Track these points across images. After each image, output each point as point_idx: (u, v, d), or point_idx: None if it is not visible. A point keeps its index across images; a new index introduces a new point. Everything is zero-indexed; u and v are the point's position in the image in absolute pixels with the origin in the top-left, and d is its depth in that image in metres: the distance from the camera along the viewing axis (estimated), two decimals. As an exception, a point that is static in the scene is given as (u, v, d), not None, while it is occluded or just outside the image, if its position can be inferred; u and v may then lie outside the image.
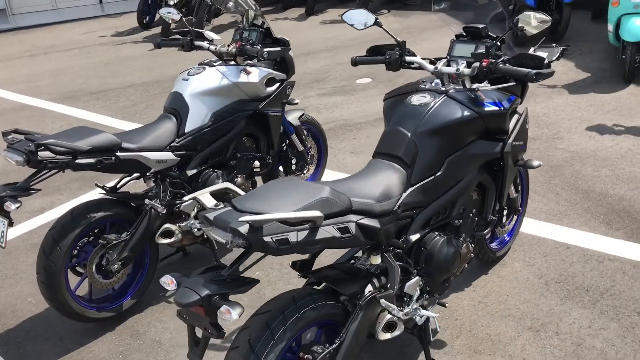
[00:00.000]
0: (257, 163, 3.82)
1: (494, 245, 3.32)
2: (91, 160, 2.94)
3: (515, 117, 2.78)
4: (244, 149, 3.69)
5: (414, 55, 2.81)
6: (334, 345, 2.20)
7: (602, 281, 3.14)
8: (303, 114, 4.17)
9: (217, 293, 1.91)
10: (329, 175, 4.49)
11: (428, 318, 2.65)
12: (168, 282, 2.02)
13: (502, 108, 2.60)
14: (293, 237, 1.94)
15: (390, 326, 2.41)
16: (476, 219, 2.82)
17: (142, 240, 3.22)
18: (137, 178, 3.40)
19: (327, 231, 2.03)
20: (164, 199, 3.28)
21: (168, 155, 3.28)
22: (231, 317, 1.85)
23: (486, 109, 2.55)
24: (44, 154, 2.80)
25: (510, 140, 2.69)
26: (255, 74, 3.58)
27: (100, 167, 2.99)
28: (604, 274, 3.20)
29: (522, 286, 3.19)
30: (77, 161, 2.89)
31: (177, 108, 3.41)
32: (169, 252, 3.82)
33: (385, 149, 2.50)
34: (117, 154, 3.04)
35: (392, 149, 2.48)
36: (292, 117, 4.08)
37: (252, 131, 3.70)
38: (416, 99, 2.59)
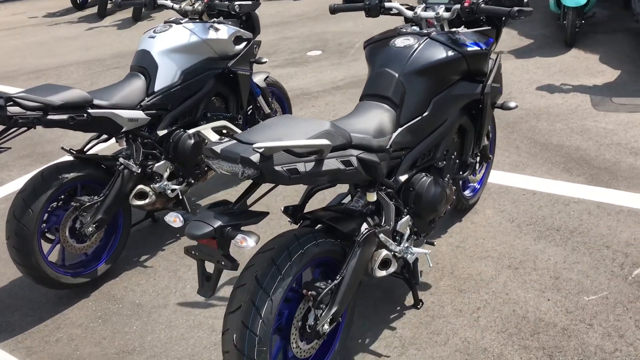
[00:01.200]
0: (226, 124, 3.76)
1: (466, 192, 3.42)
2: (63, 117, 2.82)
3: (491, 61, 2.86)
4: (213, 109, 3.63)
5: (391, 1, 2.84)
6: (335, 281, 2.21)
7: (570, 221, 3.30)
8: (268, 77, 4.14)
9: (230, 224, 1.89)
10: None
11: (416, 260, 2.71)
12: (173, 219, 1.97)
13: (482, 48, 2.67)
14: (301, 167, 1.94)
15: (385, 264, 2.45)
16: (457, 161, 2.89)
17: (116, 202, 3.12)
18: (106, 140, 3.28)
19: (332, 163, 2.04)
20: (137, 159, 3.19)
21: (139, 113, 3.19)
22: (247, 245, 1.83)
23: (468, 49, 2.61)
24: (13, 110, 2.66)
25: (489, 82, 2.77)
26: (224, 31, 3.52)
27: (72, 124, 2.87)
28: (571, 215, 3.36)
29: (496, 230, 3.30)
30: (49, 117, 2.77)
31: (145, 66, 3.31)
32: (137, 219, 3.73)
33: (373, 91, 2.52)
34: (88, 110, 2.93)
35: (381, 89, 2.50)
36: (258, 79, 4.04)
37: (222, 91, 3.64)
38: (400, 42, 2.62)
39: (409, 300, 2.86)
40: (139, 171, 3.16)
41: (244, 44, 3.68)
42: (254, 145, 1.79)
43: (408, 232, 2.56)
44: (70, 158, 3.09)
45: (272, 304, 2.02)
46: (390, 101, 2.48)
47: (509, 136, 4.33)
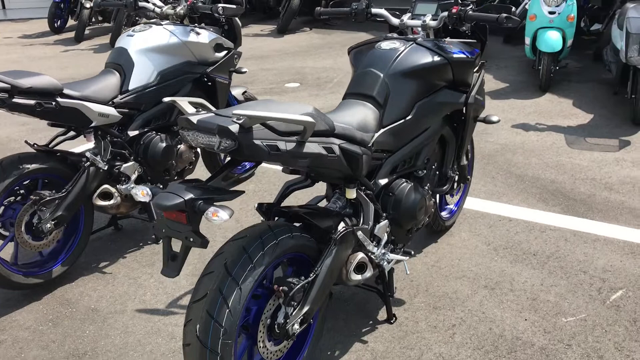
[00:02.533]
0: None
1: (444, 214, 3.35)
2: (30, 102, 2.68)
3: (476, 74, 2.84)
4: (188, 114, 3.52)
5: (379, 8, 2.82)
6: (309, 279, 2.09)
7: (546, 247, 3.24)
8: (246, 91, 4.07)
9: (202, 197, 1.76)
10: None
11: (391, 271, 2.61)
12: (140, 192, 1.85)
13: (468, 56, 2.65)
14: (282, 145, 1.84)
15: (361, 267, 2.34)
16: (437, 172, 2.83)
17: (79, 199, 2.96)
18: (73, 137, 3.13)
19: (314, 147, 1.95)
20: (104, 157, 3.05)
21: (111, 110, 3.07)
22: (220, 217, 1.71)
23: (454, 55, 2.59)
24: (-24, 89, 2.52)
25: (473, 93, 2.74)
26: (205, 36, 3.46)
27: (39, 111, 2.73)
28: (548, 241, 3.30)
29: (472, 252, 3.22)
30: (15, 100, 2.64)
31: (120, 63, 3.22)
32: (99, 225, 3.55)
33: (357, 89, 2.46)
34: (57, 99, 2.80)
35: (365, 89, 2.44)
36: (237, 92, 3.97)
37: (198, 97, 3.53)
38: (386, 45, 2.58)
39: (382, 315, 2.73)
40: (106, 168, 3.02)
41: (224, 52, 3.62)
42: (234, 112, 1.69)
43: (386, 237, 2.46)
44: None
45: (240, 294, 1.88)
46: (374, 100, 2.42)
47: (485, 167, 4.31)
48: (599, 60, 7.11)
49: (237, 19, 3.72)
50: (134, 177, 3.16)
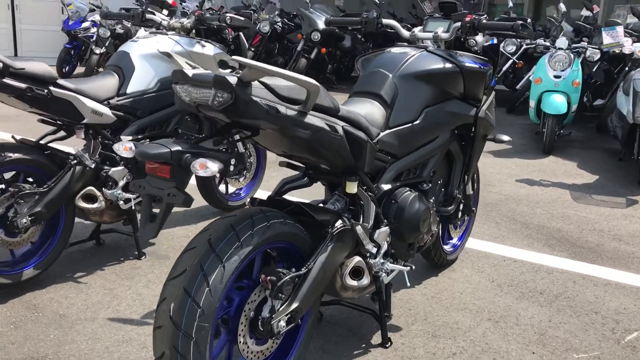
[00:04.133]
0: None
1: (446, 247, 3.15)
2: (21, 85, 2.56)
3: (485, 95, 2.74)
4: (186, 127, 3.40)
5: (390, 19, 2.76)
6: (300, 272, 1.90)
7: (554, 287, 3.03)
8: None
9: (190, 151, 1.60)
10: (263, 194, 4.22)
11: (389, 288, 2.41)
12: (123, 147, 1.68)
13: (481, 67, 2.55)
14: (283, 109, 1.70)
15: (357, 273, 2.14)
16: (442, 190, 2.67)
17: (60, 197, 2.78)
18: (63, 138, 2.99)
19: (316, 120, 1.81)
20: (92, 157, 2.90)
21: (105, 109, 2.95)
22: (209, 169, 1.55)
23: (466, 64, 2.49)
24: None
25: (484, 107, 2.63)
26: (210, 49, 3.39)
27: (29, 97, 2.60)
28: (555, 281, 3.09)
29: (474, 287, 3.00)
30: (5, 80, 2.51)
31: (121, 66, 3.12)
32: (79, 238, 3.35)
33: (365, 88, 2.35)
34: (50, 87, 2.68)
35: (373, 87, 2.33)
36: (236, 116, 3.87)
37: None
38: (396, 49, 2.50)
39: (376, 339, 2.50)
40: (93, 167, 2.86)
41: (228, 70, 3.53)
42: (234, 57, 1.56)
43: (385, 247, 2.27)
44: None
45: (223, 273, 1.68)
46: (382, 99, 2.30)
47: (488, 214, 4.14)
48: (603, 132, 7.10)
49: (244, 39, 3.67)
50: (121, 183, 2.99)
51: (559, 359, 2.39)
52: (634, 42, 5.77)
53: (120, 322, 2.57)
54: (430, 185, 2.51)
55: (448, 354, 2.40)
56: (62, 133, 3.02)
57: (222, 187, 3.86)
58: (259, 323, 1.84)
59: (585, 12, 7.70)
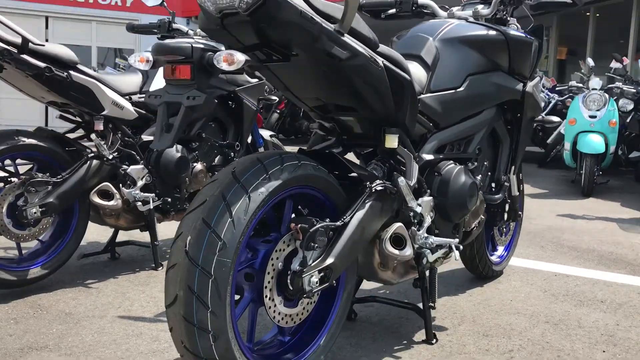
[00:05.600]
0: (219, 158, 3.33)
1: (493, 258, 2.86)
2: (39, 64, 2.44)
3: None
4: (210, 132, 3.24)
5: (425, 0, 2.62)
6: (337, 223, 1.65)
7: (616, 297, 2.69)
8: (274, 135, 3.82)
9: (212, 48, 1.41)
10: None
11: (434, 273, 2.12)
12: (139, 59, 1.51)
13: (527, 37, 2.37)
14: (318, 20, 1.52)
15: (398, 242, 1.88)
16: (489, 174, 2.43)
17: (74, 191, 2.61)
18: (82, 137, 2.84)
19: (354, 43, 1.62)
20: (111, 150, 2.74)
21: (126, 103, 2.81)
22: (235, 62, 1.35)
23: (511, 32, 2.32)
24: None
25: (531, 83, 2.43)
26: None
27: (47, 77, 2.48)
28: (616, 292, 2.76)
29: (526, 295, 2.68)
30: (24, 56, 2.40)
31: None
32: (94, 249, 3.13)
33: (404, 50, 2.17)
34: (70, 71, 2.56)
35: (412, 49, 2.16)
36: (264, 132, 3.71)
37: (222, 117, 3.26)
38: (435, 20, 2.35)
39: (419, 336, 2.19)
40: (111, 158, 2.69)
41: (255, 80, 3.42)
42: None
43: (429, 220, 2.01)
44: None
45: (248, 204, 1.45)
46: (422, 61, 2.12)
47: (532, 240, 3.83)
48: (642, 180, 6.81)
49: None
50: (140, 183, 2.81)
51: (635, 357, 2.04)
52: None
53: (131, 320, 2.31)
54: (476, 164, 2.28)
55: (504, 351, 2.07)
56: (81, 132, 2.88)
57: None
58: (288, 278, 1.58)
59: (615, 64, 7.58)
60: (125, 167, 2.79)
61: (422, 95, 2.04)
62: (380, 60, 1.71)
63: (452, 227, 2.16)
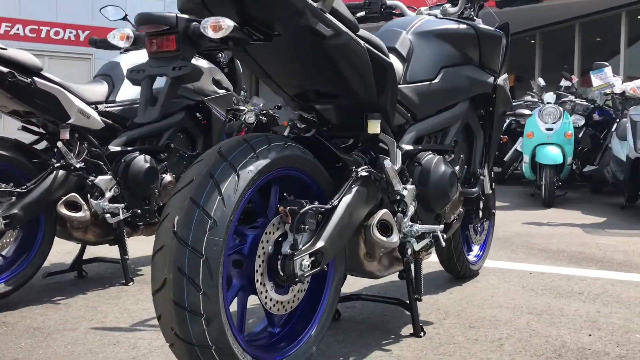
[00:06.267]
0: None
1: (470, 257, 2.86)
2: (2, 68, 2.35)
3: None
4: (178, 143, 3.17)
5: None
6: (326, 206, 1.63)
7: (592, 289, 2.72)
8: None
9: (196, 19, 1.38)
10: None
11: (419, 265, 2.10)
12: (119, 36, 1.46)
13: (496, 31, 2.42)
14: None
15: (385, 229, 1.85)
16: (465, 167, 2.44)
17: (40, 202, 2.50)
18: (48, 137, 2.73)
19: (336, 21, 1.61)
20: (78, 160, 2.64)
21: (92, 112, 2.74)
22: (222, 29, 1.31)
23: (481, 26, 2.36)
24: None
25: (502, 77, 2.47)
26: (204, 62, 3.25)
27: (10, 83, 2.39)
28: (592, 285, 2.79)
29: (505, 292, 2.68)
30: (-15, 60, 2.31)
31: (110, 74, 2.96)
32: (58, 268, 3.00)
33: None
34: (35, 77, 2.48)
35: (387, 41, 2.15)
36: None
37: (190, 128, 3.21)
38: (408, 16, 2.38)
39: (406, 330, 2.15)
40: (78, 167, 2.59)
41: (223, 90, 3.39)
42: None
43: (412, 209, 2.00)
44: None
45: (237, 182, 1.41)
46: (397, 52, 2.13)
47: (502, 244, 3.86)
48: (598, 193, 6.99)
49: (239, 64, 3.55)
50: (108, 194, 2.72)
51: (621, 339, 2.05)
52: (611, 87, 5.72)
53: (105, 330, 2.20)
54: (452, 156, 2.29)
55: (492, 339, 2.05)
56: (45, 143, 2.78)
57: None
58: (279, 263, 1.53)
59: (564, 82, 7.84)
60: (92, 177, 2.70)
61: (400, 86, 2.04)
62: (362, 42, 1.71)
63: (434, 218, 2.16)
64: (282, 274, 1.54)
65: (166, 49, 1.36)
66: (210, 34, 1.33)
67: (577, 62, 11.31)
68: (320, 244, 1.58)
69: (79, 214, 2.61)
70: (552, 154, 5.79)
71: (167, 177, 3.00)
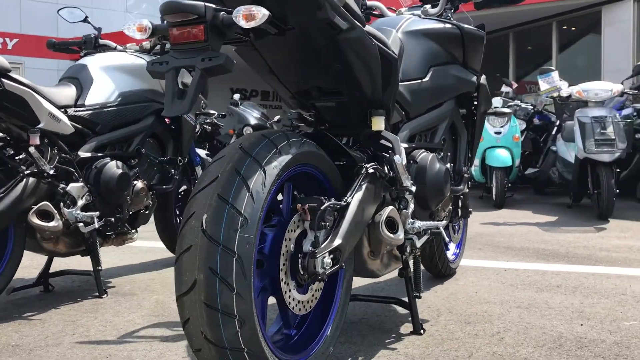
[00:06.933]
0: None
1: (448, 255, 2.89)
2: (-33, 71, 2.20)
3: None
4: (149, 148, 3.06)
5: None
6: (341, 202, 1.60)
7: (568, 282, 2.80)
8: (208, 154, 3.69)
9: (225, 8, 1.33)
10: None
11: (418, 264, 2.11)
12: (136, 28, 1.38)
13: (479, 31, 2.47)
14: None
15: (391, 225, 1.84)
16: (451, 165, 2.48)
17: (11, 211, 2.36)
18: (12, 143, 2.56)
19: (349, 15, 1.60)
20: (50, 167, 2.51)
21: (62, 115, 2.61)
22: (256, 18, 1.27)
23: (465, 27, 2.40)
24: None
25: (483, 76, 2.52)
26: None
27: (-22, 85, 2.24)
28: (567, 278, 2.88)
29: (488, 288, 2.73)
30: (-50, 62, 2.16)
31: (78, 77, 2.83)
32: (24, 282, 2.83)
33: None
34: (3, 79, 2.33)
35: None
36: (199, 151, 3.58)
37: (160, 133, 3.11)
38: (393, 16, 2.40)
39: (405, 329, 2.15)
40: (51, 172, 2.46)
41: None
42: None
43: (412, 206, 2.00)
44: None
45: (264, 178, 1.37)
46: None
47: (468, 244, 3.92)
48: (541, 194, 7.27)
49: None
50: (80, 202, 2.59)
51: (611, 327, 2.12)
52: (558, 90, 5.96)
53: (93, 344, 2.08)
54: (442, 154, 2.32)
55: (492, 333, 2.07)
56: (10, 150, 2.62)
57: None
58: (300, 261, 1.50)
59: (505, 89, 8.13)
60: (63, 185, 2.57)
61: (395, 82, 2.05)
62: (372, 37, 1.71)
63: (429, 215, 2.17)
64: (302, 272, 1.50)
65: (193, 39, 1.30)
66: (242, 23, 1.28)
67: (511, 69, 11.75)
68: (337, 241, 1.56)
69: (51, 224, 2.47)
70: (501, 157, 5.97)
71: (139, 184, 2.89)
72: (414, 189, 1.92)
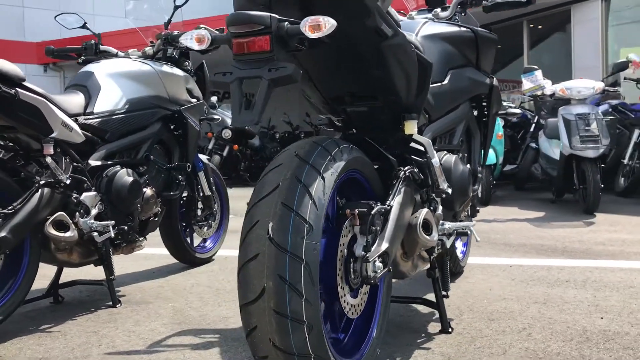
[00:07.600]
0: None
1: (457, 252, 2.94)
2: (-15, 81, 2.16)
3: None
4: (157, 155, 3.04)
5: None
6: (387, 206, 1.63)
7: (576, 277, 2.88)
8: (210, 159, 3.68)
9: (289, 19, 1.34)
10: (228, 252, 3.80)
11: (445, 261, 2.15)
12: (194, 38, 1.37)
13: (491, 34, 2.52)
14: None
15: (426, 227, 1.88)
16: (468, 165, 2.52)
17: (27, 222, 2.31)
18: (22, 153, 2.51)
19: (392, 23, 1.62)
20: (65, 177, 2.47)
21: (74, 124, 2.57)
22: (326, 23, 1.28)
23: (479, 30, 2.45)
24: None
25: (495, 79, 2.58)
26: (178, 71, 3.14)
27: (-6, 96, 2.19)
28: (573, 273, 2.96)
29: (499, 285, 2.79)
30: (-35, 72, 2.11)
31: (86, 85, 2.79)
32: (34, 295, 2.77)
33: None
34: (18, 88, 2.29)
35: None
36: (201, 156, 3.56)
37: (167, 139, 3.09)
38: (409, 19, 2.43)
39: (432, 328, 2.19)
40: (68, 183, 2.42)
41: (195, 100, 3.29)
42: None
43: (441, 208, 2.04)
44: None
45: (324, 185, 1.39)
46: (412, 53, 2.17)
47: (466, 242, 4.01)
48: (521, 190, 7.41)
49: (207, 72, 3.45)
50: (94, 211, 2.56)
51: (631, 319, 2.19)
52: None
53: (123, 354, 2.07)
54: (460, 155, 2.37)
55: (518, 330, 2.13)
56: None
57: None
58: (352, 266, 1.52)
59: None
60: (76, 194, 2.53)
61: (419, 87, 2.08)
62: (412, 40, 1.74)
63: (452, 216, 2.21)
64: (354, 277, 1.52)
65: (259, 49, 1.30)
66: (308, 33, 1.29)
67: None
68: (385, 245, 1.58)
69: (67, 234, 2.43)
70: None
71: (148, 191, 2.87)
72: (450, 191, 1.96)
